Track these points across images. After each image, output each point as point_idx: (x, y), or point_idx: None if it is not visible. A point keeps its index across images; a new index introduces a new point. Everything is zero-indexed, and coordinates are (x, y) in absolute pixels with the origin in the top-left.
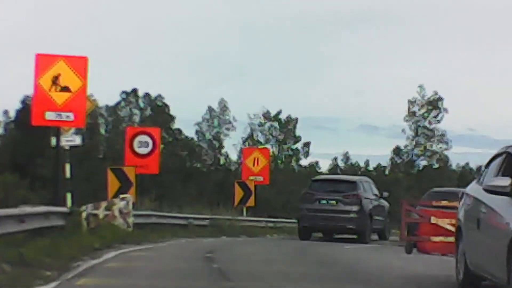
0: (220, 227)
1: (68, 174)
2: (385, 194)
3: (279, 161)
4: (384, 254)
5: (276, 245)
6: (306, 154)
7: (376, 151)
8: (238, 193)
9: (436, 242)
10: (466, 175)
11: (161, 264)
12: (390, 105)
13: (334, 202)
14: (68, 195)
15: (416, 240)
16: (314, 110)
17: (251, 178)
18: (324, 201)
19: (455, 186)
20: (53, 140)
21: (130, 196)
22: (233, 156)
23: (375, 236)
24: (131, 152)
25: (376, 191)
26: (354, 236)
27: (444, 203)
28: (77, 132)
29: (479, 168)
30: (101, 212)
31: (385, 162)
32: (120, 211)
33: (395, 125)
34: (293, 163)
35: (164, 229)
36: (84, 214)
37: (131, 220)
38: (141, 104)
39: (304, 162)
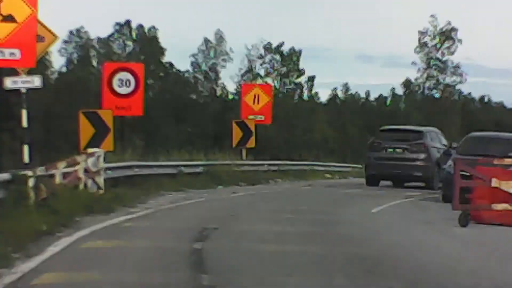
0: (216, 174)
1: (25, 123)
2: (454, 144)
3: (280, 95)
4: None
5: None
6: (311, 88)
7: (375, 81)
8: (237, 133)
9: (497, 211)
10: (469, 104)
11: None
12: (390, 34)
13: (400, 150)
14: (25, 149)
15: (475, 209)
16: (311, 40)
17: (250, 117)
18: (391, 150)
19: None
20: (7, 82)
21: (101, 151)
22: (230, 88)
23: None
24: (110, 92)
25: (444, 141)
26: (422, 184)
27: (508, 161)
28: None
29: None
30: (58, 175)
31: (386, 92)
32: (87, 170)
33: (392, 55)
34: (296, 98)
35: (149, 182)
36: (31, 181)
37: (102, 180)
38: (134, 36)
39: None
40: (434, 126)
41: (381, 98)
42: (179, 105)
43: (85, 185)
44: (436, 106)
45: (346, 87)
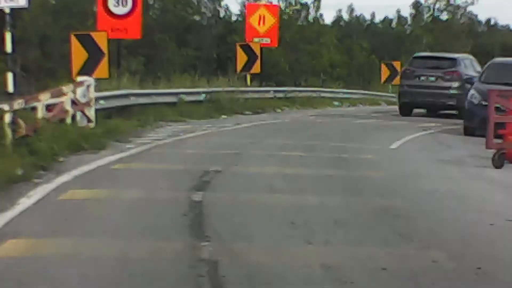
0: (219, 102)
1: (9, 47)
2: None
3: (284, 17)
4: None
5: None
6: (317, 9)
7: (380, 1)
8: (241, 57)
9: None
10: (474, 27)
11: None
12: None
13: (433, 78)
14: (9, 77)
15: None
16: None
17: (256, 40)
18: (423, 78)
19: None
20: None
21: (91, 79)
22: (234, 9)
23: None
24: (105, 12)
25: (479, 69)
26: (455, 112)
27: None
28: None
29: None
30: (40, 108)
31: (392, 14)
32: (75, 102)
33: None
34: (301, 20)
35: (147, 112)
36: (7, 117)
37: (92, 112)
38: None
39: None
40: (444, 50)
41: (386, 20)
42: (181, 27)
43: (73, 118)
44: (446, 29)
45: (351, 8)
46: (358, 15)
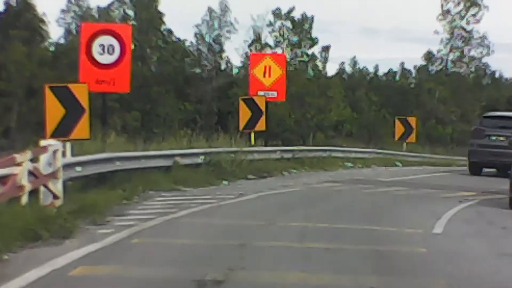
0: (219, 165)
1: None
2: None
3: (291, 69)
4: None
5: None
6: (325, 60)
7: (381, 55)
8: (244, 113)
9: None
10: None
11: None
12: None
13: (503, 138)
14: None
15: None
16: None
17: (261, 93)
18: (493, 137)
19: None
20: None
21: (58, 144)
22: (235, 61)
23: None
24: (89, 60)
25: None
26: None
27: None
28: None
29: None
30: None
31: (396, 67)
32: (34, 174)
33: (397, 28)
34: (309, 71)
35: (135, 179)
36: None
37: (59, 185)
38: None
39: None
40: (458, 104)
41: (390, 73)
42: (180, 79)
43: (34, 194)
44: (459, 81)
45: (354, 61)
46: (361, 67)
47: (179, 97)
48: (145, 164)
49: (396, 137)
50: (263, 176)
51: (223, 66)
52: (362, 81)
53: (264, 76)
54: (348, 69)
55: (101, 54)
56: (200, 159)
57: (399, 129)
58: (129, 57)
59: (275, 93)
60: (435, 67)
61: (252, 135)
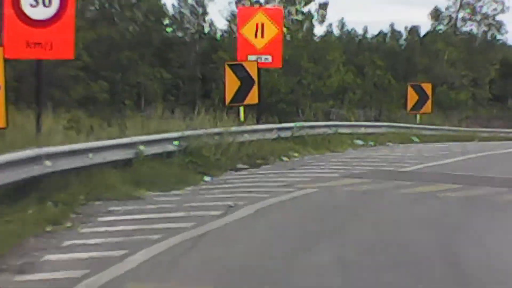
0: (198, 153)
1: None
2: None
3: (284, 29)
4: None
5: None
6: (322, 19)
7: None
8: (231, 83)
9: None
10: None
11: None
12: None
13: None
14: None
15: None
16: None
17: (251, 58)
18: None
19: None
20: None
21: None
22: (220, 24)
23: None
24: (17, 15)
25: None
26: None
27: None
28: None
29: None
30: None
31: (386, 28)
32: None
33: None
34: (303, 32)
35: (76, 184)
36: None
37: None
38: None
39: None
40: (469, 67)
41: (380, 36)
42: (156, 43)
43: None
44: (472, 42)
45: (342, 23)
46: (349, 30)
47: (158, 64)
48: (94, 160)
49: (409, 107)
50: (257, 165)
51: (206, 30)
52: (352, 44)
53: (256, 36)
54: (336, 31)
55: (33, 6)
56: (173, 146)
57: (412, 97)
58: (73, 10)
59: (269, 58)
60: (442, 27)
61: (242, 110)
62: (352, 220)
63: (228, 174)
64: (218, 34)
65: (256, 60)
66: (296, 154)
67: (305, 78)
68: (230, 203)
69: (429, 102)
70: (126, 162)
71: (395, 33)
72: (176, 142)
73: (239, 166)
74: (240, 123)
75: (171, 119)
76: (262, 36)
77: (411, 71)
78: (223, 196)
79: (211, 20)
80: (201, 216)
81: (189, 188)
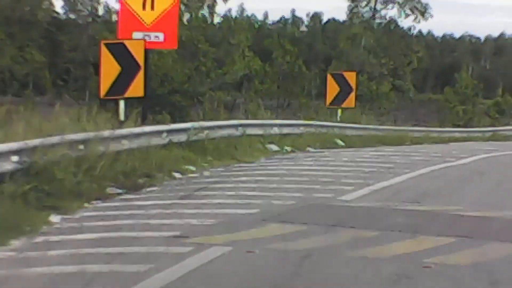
0: (49, 176)
1: None
2: None
3: (182, 6)
4: None
5: None
6: None
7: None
8: (109, 68)
9: None
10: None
11: None
12: None
13: None
14: None
15: None
16: None
17: (137, 35)
18: None
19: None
20: None
21: None
22: (117, 6)
23: None
24: None
25: None
26: None
27: None
28: None
29: None
30: None
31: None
32: None
33: None
34: (205, 11)
35: None
36: None
37: None
38: None
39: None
40: (389, 55)
41: (283, 22)
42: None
43: None
44: (392, 27)
45: (241, 8)
46: (249, 15)
47: (48, 47)
48: None
49: (328, 101)
50: (138, 186)
51: (101, 12)
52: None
53: (144, 8)
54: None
55: None
56: (9, 164)
57: (333, 89)
58: None
59: (160, 36)
60: (361, 9)
61: (122, 105)
62: None
63: (90, 209)
64: (114, 17)
65: (144, 39)
66: (192, 168)
67: (204, 65)
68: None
69: (352, 95)
70: None
71: (296, 19)
72: (14, 158)
73: (110, 191)
74: (119, 124)
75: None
76: (152, 8)
77: (317, 58)
78: (56, 271)
79: (105, 1)
80: None
81: (15, 243)
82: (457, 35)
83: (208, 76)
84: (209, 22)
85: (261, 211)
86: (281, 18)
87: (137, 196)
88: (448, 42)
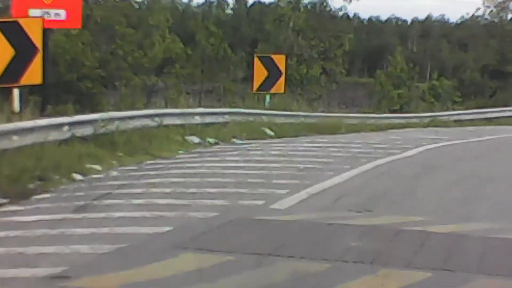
0: None
1: None
2: None
3: None
4: None
5: None
6: None
7: None
8: (0, 52)
9: None
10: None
11: None
12: None
13: None
14: None
15: None
16: None
17: (34, 12)
18: None
19: None
20: None
21: None
22: None
23: None
24: None
25: None
26: None
27: None
28: None
29: None
30: None
31: None
32: None
33: None
34: None
35: None
36: None
37: None
38: None
39: None
40: (320, 37)
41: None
42: None
43: None
44: (322, 8)
45: None
46: None
47: None
48: None
49: (255, 86)
50: (27, 194)
51: None
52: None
53: None
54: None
55: None
56: None
57: (260, 73)
58: None
59: (62, 13)
60: None
61: (16, 94)
62: None
63: None
64: None
65: (42, 17)
66: (97, 167)
67: (121, 48)
68: None
69: (282, 79)
70: None
71: (221, 2)
72: None
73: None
74: (12, 116)
75: None
76: None
77: (243, 42)
78: None
79: None
80: None
81: None
82: (383, 18)
83: (125, 60)
84: (127, 2)
85: (174, 229)
86: (206, 1)
87: (21, 208)
88: (374, 25)
